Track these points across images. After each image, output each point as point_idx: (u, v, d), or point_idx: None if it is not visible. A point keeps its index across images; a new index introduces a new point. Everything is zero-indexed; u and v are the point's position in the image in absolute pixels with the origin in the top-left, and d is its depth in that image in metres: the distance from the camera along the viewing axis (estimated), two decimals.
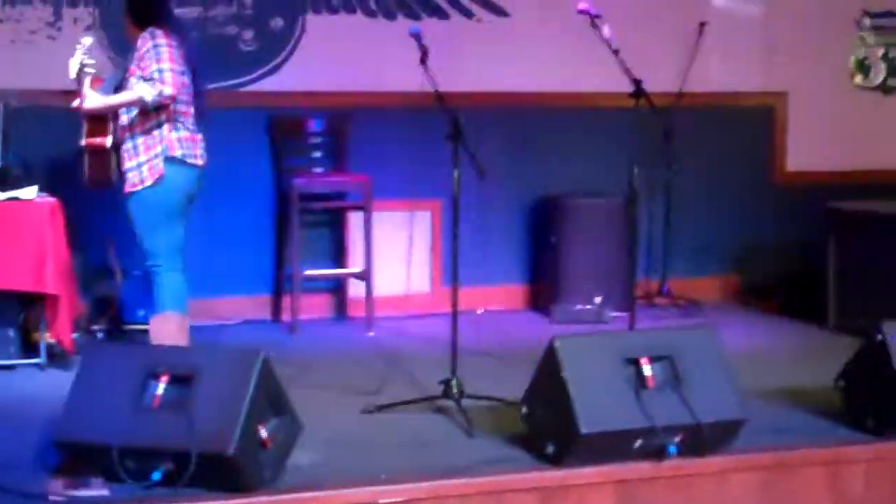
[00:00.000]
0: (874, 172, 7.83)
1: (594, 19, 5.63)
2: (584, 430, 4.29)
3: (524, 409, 4.60)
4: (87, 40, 5.63)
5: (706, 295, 7.46)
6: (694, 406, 4.41)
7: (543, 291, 7.31)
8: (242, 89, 7.00)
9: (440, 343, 5.83)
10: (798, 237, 7.58)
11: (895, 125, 8.04)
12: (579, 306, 7.01)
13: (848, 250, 6.90)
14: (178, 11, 5.94)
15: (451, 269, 5.24)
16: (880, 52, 8.07)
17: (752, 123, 7.84)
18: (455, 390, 5.04)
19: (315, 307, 7.04)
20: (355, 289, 7.07)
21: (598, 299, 6.99)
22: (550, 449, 4.43)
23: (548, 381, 4.48)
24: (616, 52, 5.55)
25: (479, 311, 7.11)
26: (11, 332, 5.90)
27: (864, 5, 8.00)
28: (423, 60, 5.22)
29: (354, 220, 7.07)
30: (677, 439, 4.39)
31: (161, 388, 4.20)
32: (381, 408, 5.11)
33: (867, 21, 8.03)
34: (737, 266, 7.73)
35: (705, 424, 4.40)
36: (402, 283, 7.10)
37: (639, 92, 5.63)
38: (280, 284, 7.06)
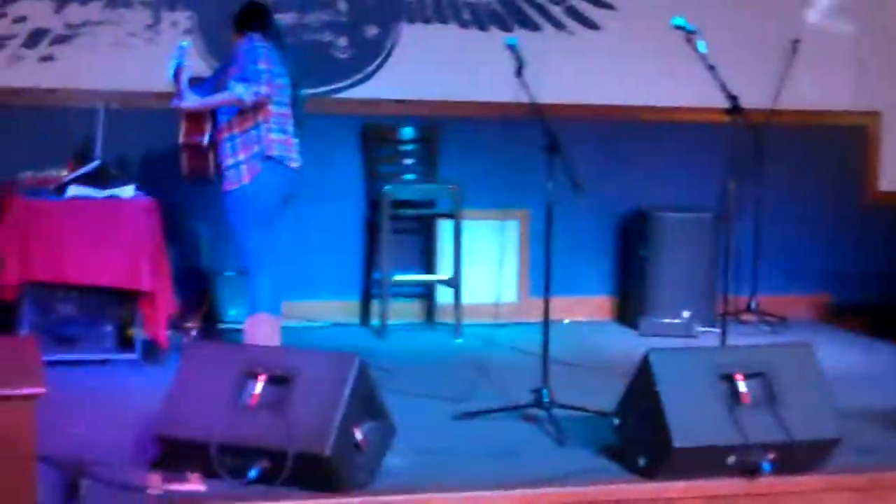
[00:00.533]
0: None
1: (690, 35, 5.62)
2: (677, 443, 4.28)
3: (616, 421, 4.61)
4: (186, 43, 5.72)
5: (794, 313, 7.41)
6: (789, 424, 4.38)
7: (631, 304, 7.30)
8: (336, 96, 7.06)
9: (528, 352, 5.86)
10: (889, 258, 7.52)
11: None
12: (667, 320, 6.99)
13: None
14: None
15: (541, 278, 5.27)
16: None
17: (845, 142, 7.78)
18: (546, 399, 5.05)
19: (403, 312, 7.08)
20: (443, 295, 7.11)
21: (686, 313, 6.98)
22: (642, 462, 4.42)
23: (641, 393, 4.48)
24: (712, 68, 5.53)
25: (565, 322, 7.11)
26: (108, 328, 5.98)
27: None
28: (518, 72, 5.24)
29: (444, 227, 7.11)
30: (771, 457, 4.36)
31: (259, 387, 4.25)
32: (472, 414, 5.13)
33: None
34: (826, 285, 7.67)
35: (800, 442, 4.37)
36: (490, 291, 7.12)
37: (735, 108, 5.60)
38: (369, 289, 7.11)
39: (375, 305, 7.00)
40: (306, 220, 6.72)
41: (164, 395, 4.39)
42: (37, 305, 5.86)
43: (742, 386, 4.45)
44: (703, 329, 6.89)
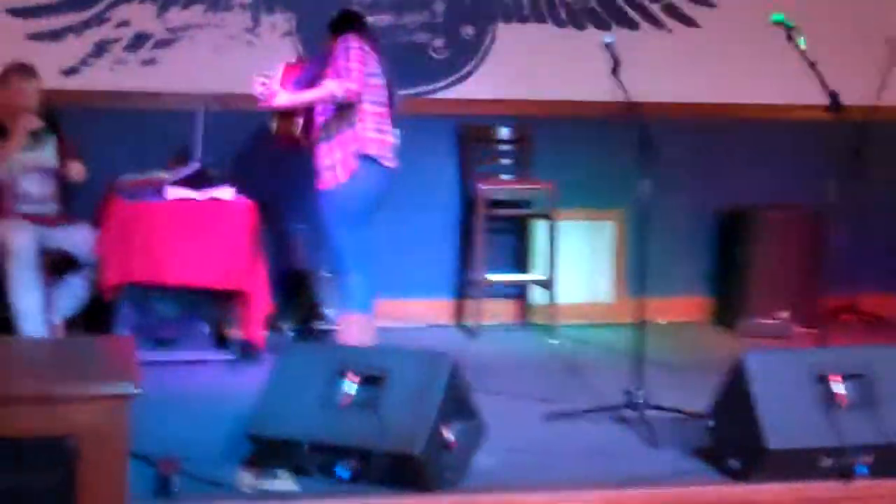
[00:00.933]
0: None
1: (790, 31, 5.54)
2: (770, 445, 4.23)
3: (709, 423, 4.56)
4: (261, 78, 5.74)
5: None
6: (886, 426, 4.30)
7: (727, 304, 7.19)
8: (432, 96, 7.08)
9: (622, 353, 5.82)
10: None
11: None
12: (764, 321, 6.90)
13: None
14: (370, 19, 6.05)
15: (635, 279, 5.23)
16: None
17: None
18: (639, 400, 5.01)
19: (497, 313, 7.06)
20: (538, 296, 7.09)
21: (784, 314, 6.89)
22: (735, 464, 4.38)
23: (735, 395, 4.44)
24: (812, 65, 5.45)
25: (661, 323, 7.05)
26: (205, 328, 6.07)
27: None
28: (614, 71, 5.21)
29: (539, 227, 7.08)
30: (867, 459, 4.29)
31: (351, 387, 4.29)
32: (563, 415, 5.11)
33: None
34: None
35: None
36: (585, 291, 7.10)
37: (836, 105, 5.52)
38: (463, 289, 7.11)
39: (469, 305, 7.00)
40: (401, 219, 6.75)
41: (257, 394, 4.44)
42: (135, 306, 5.96)
43: (838, 387, 4.38)
44: (802, 330, 6.78)
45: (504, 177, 7.11)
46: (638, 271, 5.24)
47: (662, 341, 6.53)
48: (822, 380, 4.42)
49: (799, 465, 4.29)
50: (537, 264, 7.11)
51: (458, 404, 4.32)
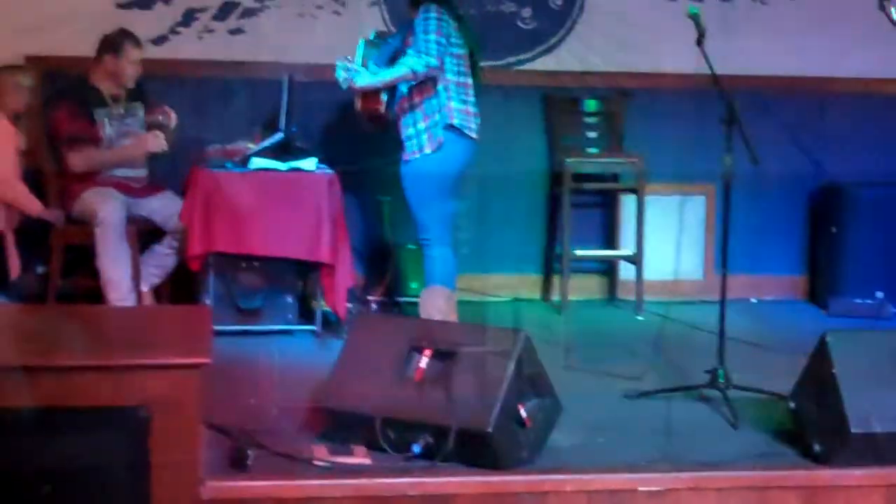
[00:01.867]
0: None
1: (884, 2, 5.38)
2: (854, 429, 4.11)
3: (792, 405, 4.45)
4: (342, 65, 5.70)
5: None
6: None
7: (821, 283, 7.07)
8: (519, 67, 7.01)
9: (709, 331, 5.71)
10: None
11: None
12: (858, 300, 6.75)
13: None
14: None
15: (726, 254, 5.12)
16: None
17: None
18: (722, 380, 4.92)
19: (584, 288, 6.99)
20: (625, 271, 7.00)
21: (879, 294, 6.73)
22: (818, 447, 4.26)
23: (818, 376, 4.32)
24: None
25: (752, 301, 6.93)
26: (290, 299, 6.06)
27: None
28: (699, 42, 5.10)
29: (626, 202, 6.99)
30: None
31: (424, 362, 4.25)
32: (644, 394, 5.03)
33: None
34: None
35: None
36: (673, 267, 6.99)
37: None
38: (550, 264, 7.04)
39: (556, 280, 6.92)
40: (487, 192, 6.71)
41: (331, 367, 4.42)
42: (221, 276, 5.97)
43: None
44: None
45: (591, 150, 7.01)
46: (730, 247, 5.09)
47: (753, 320, 6.43)
48: None
49: (884, 450, 4.17)
50: (625, 239, 7.02)
51: (532, 381, 4.26)
